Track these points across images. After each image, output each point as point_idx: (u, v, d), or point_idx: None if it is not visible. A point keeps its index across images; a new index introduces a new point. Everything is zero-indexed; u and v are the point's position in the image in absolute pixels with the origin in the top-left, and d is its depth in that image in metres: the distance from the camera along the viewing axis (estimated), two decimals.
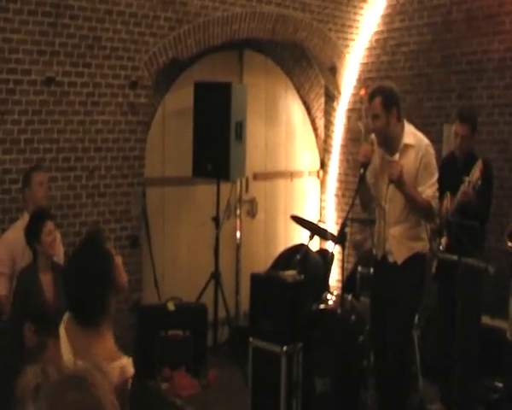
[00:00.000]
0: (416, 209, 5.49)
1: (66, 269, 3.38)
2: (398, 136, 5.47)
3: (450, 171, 6.09)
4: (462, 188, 5.66)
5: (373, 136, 5.64)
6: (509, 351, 5.63)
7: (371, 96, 5.51)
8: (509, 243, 5.58)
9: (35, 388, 4.88)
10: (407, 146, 5.45)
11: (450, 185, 5.81)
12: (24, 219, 5.78)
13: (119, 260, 3.23)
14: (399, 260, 5.52)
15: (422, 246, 5.62)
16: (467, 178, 5.64)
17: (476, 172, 5.52)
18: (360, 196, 5.68)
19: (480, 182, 5.51)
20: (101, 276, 3.11)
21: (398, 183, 5.33)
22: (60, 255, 5.70)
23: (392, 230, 5.55)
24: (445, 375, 6.19)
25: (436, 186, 5.50)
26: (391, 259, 5.58)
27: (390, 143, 5.51)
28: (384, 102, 5.41)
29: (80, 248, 3.29)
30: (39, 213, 5.42)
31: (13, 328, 5.28)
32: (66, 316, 3.25)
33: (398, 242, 5.54)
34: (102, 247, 3.20)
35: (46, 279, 5.22)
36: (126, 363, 3.04)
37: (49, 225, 5.30)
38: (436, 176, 5.52)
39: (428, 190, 5.45)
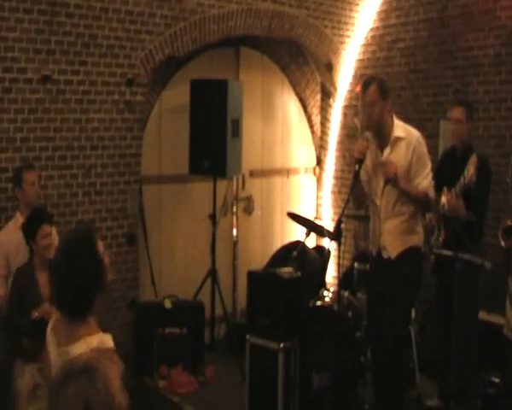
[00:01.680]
0: (413, 202, 5.51)
1: (55, 262, 3.36)
2: (390, 128, 5.52)
3: (449, 165, 6.11)
4: (448, 196, 5.69)
5: (368, 133, 5.65)
6: (507, 347, 5.64)
7: (366, 85, 5.53)
8: (503, 242, 5.59)
9: (33, 387, 4.89)
10: (397, 139, 5.49)
11: (449, 180, 5.82)
12: (16, 219, 5.76)
13: (107, 258, 3.24)
14: (393, 255, 5.54)
15: (417, 239, 5.64)
16: (462, 178, 5.66)
17: (471, 169, 5.53)
18: (354, 193, 5.70)
19: (474, 178, 5.52)
20: (90, 274, 3.12)
21: (395, 181, 5.37)
22: None
23: (386, 224, 5.56)
24: (443, 370, 6.19)
25: (431, 175, 5.56)
26: (385, 255, 5.59)
27: (382, 134, 5.53)
28: (380, 90, 5.46)
29: (71, 244, 3.27)
30: (36, 215, 5.40)
31: (9, 327, 5.27)
32: (52, 320, 3.28)
33: (393, 236, 5.55)
34: (94, 245, 3.19)
35: (43, 278, 5.21)
36: (105, 337, 3.08)
37: (46, 228, 5.26)
38: (429, 166, 5.58)
39: (424, 181, 5.50)
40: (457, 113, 6.10)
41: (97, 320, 3.22)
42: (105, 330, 3.20)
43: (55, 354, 3.19)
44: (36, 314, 4.93)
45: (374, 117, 5.49)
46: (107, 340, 3.11)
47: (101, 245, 3.23)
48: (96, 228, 6.97)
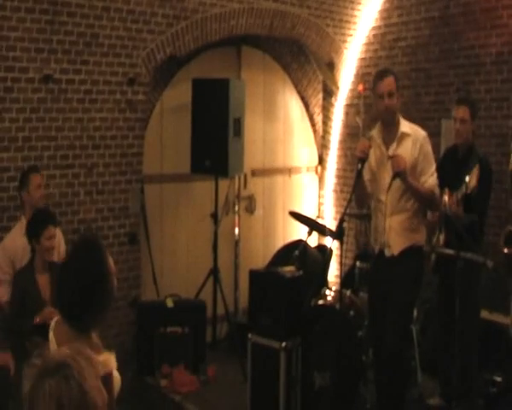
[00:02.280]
0: (419, 199, 5.51)
1: (61, 272, 3.30)
2: (397, 124, 5.52)
3: (451, 165, 6.09)
4: (450, 201, 5.68)
5: (372, 132, 5.65)
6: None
7: (383, 74, 5.56)
8: (505, 250, 5.57)
9: None
10: (404, 135, 5.49)
11: (450, 181, 5.81)
12: (21, 222, 5.74)
13: (113, 266, 3.21)
14: (396, 251, 5.52)
15: (420, 238, 5.63)
16: (466, 178, 5.64)
17: (473, 180, 5.48)
18: (356, 192, 5.70)
19: (476, 189, 5.49)
20: (98, 285, 3.06)
21: (404, 176, 5.36)
22: (61, 255, 5.64)
23: (390, 220, 5.55)
24: (445, 369, 6.19)
25: (436, 175, 5.56)
26: (387, 253, 5.58)
27: (389, 129, 5.54)
28: (396, 82, 5.50)
29: (79, 254, 3.20)
30: (42, 216, 5.39)
31: (10, 329, 5.27)
32: (54, 320, 3.26)
33: (396, 232, 5.54)
34: (102, 255, 3.15)
35: (43, 280, 5.20)
36: (108, 357, 3.04)
37: (51, 230, 5.25)
38: (434, 165, 5.60)
39: (430, 179, 5.51)
40: (462, 112, 6.07)
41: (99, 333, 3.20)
42: (105, 340, 3.19)
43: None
44: (37, 320, 4.93)
45: (392, 107, 5.49)
46: (111, 360, 3.08)
47: (111, 261, 3.18)
48: (98, 228, 6.98)
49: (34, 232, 5.23)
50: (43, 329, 4.26)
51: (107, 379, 2.95)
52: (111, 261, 3.16)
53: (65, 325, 3.14)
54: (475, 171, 5.51)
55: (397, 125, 5.53)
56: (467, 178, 5.51)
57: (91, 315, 3.08)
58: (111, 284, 3.11)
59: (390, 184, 5.50)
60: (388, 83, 5.49)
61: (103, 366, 2.97)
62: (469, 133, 6.10)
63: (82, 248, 3.25)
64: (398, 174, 5.39)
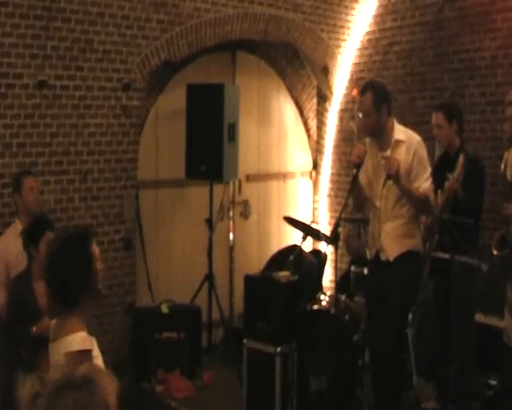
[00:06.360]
0: (413, 203, 5.50)
1: (47, 256, 3.49)
2: (389, 132, 5.50)
3: (441, 169, 6.10)
4: (447, 183, 5.70)
5: (367, 138, 5.65)
6: (506, 352, 5.64)
7: (362, 92, 5.53)
8: (495, 252, 5.57)
9: (33, 397, 4.90)
10: (398, 142, 5.49)
11: (440, 183, 5.82)
12: (15, 226, 5.73)
13: (100, 264, 3.35)
14: (391, 257, 5.52)
15: (416, 243, 5.63)
16: (450, 175, 5.69)
17: (458, 168, 5.54)
18: (353, 196, 5.70)
19: (461, 177, 5.52)
20: (73, 268, 3.27)
21: (396, 178, 5.35)
22: None
23: (385, 226, 5.55)
24: (441, 373, 6.19)
25: (431, 179, 5.55)
26: (383, 257, 5.58)
27: (380, 138, 5.52)
28: (375, 99, 5.43)
29: (61, 239, 3.45)
30: (40, 223, 5.37)
31: (7, 335, 5.25)
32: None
33: (391, 238, 5.54)
34: (83, 242, 3.33)
35: (40, 287, 5.18)
36: (86, 336, 3.23)
37: (49, 236, 5.25)
38: (429, 169, 5.59)
39: (425, 183, 5.50)
40: (436, 118, 6.13)
41: (85, 322, 3.30)
42: (91, 333, 3.29)
43: (50, 349, 3.33)
44: (34, 330, 4.91)
45: (368, 127, 5.51)
46: (88, 341, 3.18)
47: (94, 245, 3.32)
48: (94, 230, 6.97)
49: (32, 240, 5.21)
50: (39, 340, 4.27)
51: (84, 356, 3.08)
52: (94, 249, 3.36)
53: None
54: (460, 160, 5.56)
55: (390, 132, 5.52)
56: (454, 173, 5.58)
57: (66, 293, 3.28)
58: (86, 267, 3.31)
59: (384, 185, 5.49)
60: (364, 102, 5.48)
61: (79, 343, 3.12)
62: (450, 137, 6.11)
63: (64, 234, 3.53)
64: (390, 176, 5.39)
